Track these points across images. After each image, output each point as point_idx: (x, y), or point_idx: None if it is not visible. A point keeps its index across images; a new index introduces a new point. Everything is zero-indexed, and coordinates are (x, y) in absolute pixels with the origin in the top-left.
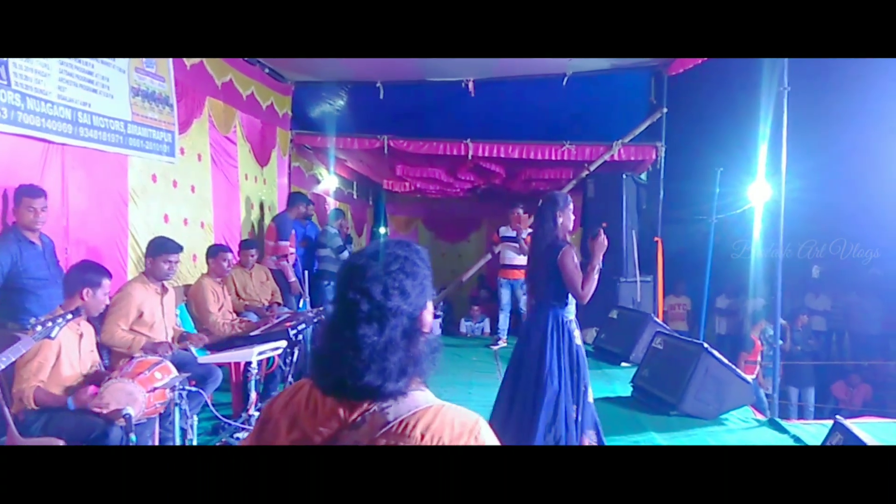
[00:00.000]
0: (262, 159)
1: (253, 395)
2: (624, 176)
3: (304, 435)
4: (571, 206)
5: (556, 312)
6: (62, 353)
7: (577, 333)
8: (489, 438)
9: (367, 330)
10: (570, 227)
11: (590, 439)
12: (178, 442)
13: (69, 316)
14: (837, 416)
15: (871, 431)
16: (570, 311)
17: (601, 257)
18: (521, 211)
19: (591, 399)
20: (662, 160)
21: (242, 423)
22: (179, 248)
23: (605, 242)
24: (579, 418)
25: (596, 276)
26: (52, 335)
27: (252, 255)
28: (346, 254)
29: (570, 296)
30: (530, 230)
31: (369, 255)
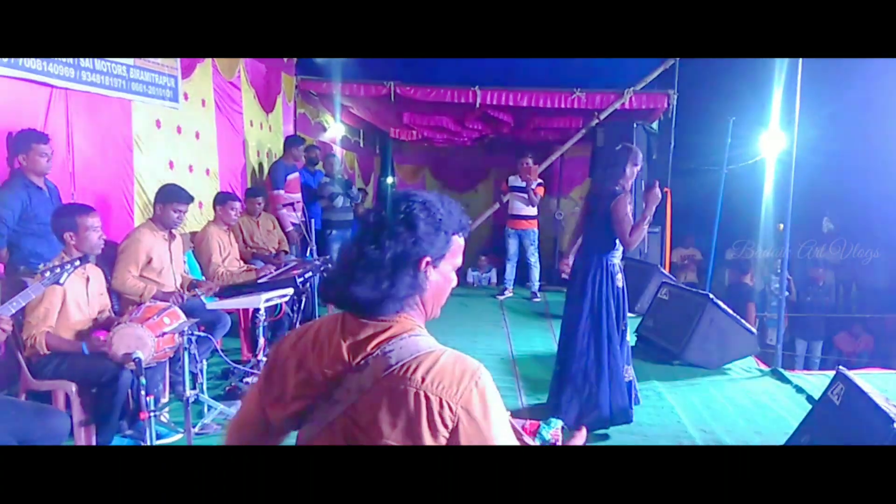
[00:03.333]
0: (267, 105)
1: (261, 341)
2: (635, 125)
3: (309, 375)
4: (640, 162)
5: (602, 256)
6: (68, 299)
7: (619, 277)
8: (489, 386)
9: (365, 242)
10: (633, 180)
11: (628, 374)
12: (188, 385)
13: (77, 262)
14: (840, 367)
15: (874, 382)
16: (616, 256)
17: (653, 209)
18: (530, 161)
19: (628, 338)
20: (674, 109)
21: (251, 367)
22: (190, 199)
23: (659, 195)
24: (619, 350)
25: (646, 227)
26: (61, 281)
27: (259, 203)
28: (339, 200)
29: (617, 241)
30: (540, 181)
31: (405, 192)
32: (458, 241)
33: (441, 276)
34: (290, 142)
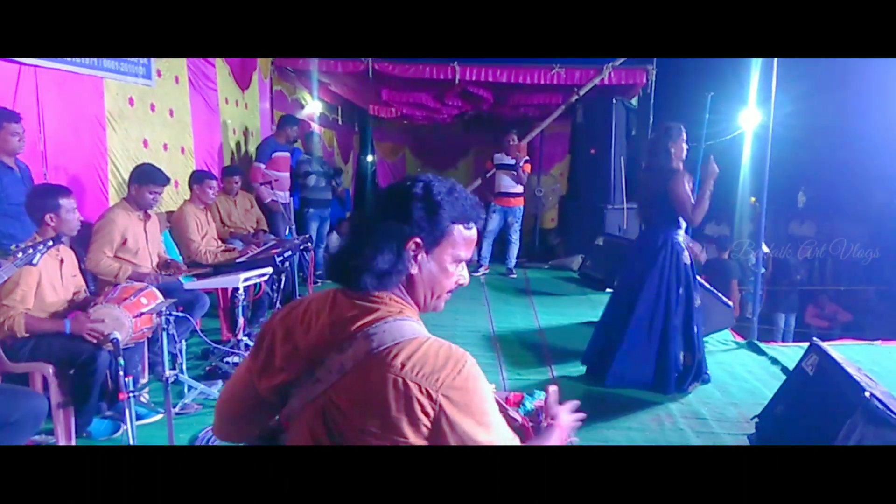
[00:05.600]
0: (243, 83)
1: (241, 321)
2: (614, 101)
3: (294, 348)
4: (684, 135)
5: (667, 234)
6: (43, 280)
7: (685, 254)
8: (474, 375)
9: (364, 218)
10: (683, 155)
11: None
12: (167, 366)
13: (50, 242)
14: (814, 338)
15: (847, 353)
16: (680, 234)
17: (712, 183)
18: (515, 137)
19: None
20: (653, 84)
21: (231, 347)
22: (167, 180)
23: (716, 168)
24: (694, 327)
25: (707, 201)
26: (35, 261)
27: (236, 182)
28: (311, 179)
29: (680, 219)
30: (527, 158)
31: (412, 178)
32: (463, 232)
33: (436, 264)
34: (285, 120)
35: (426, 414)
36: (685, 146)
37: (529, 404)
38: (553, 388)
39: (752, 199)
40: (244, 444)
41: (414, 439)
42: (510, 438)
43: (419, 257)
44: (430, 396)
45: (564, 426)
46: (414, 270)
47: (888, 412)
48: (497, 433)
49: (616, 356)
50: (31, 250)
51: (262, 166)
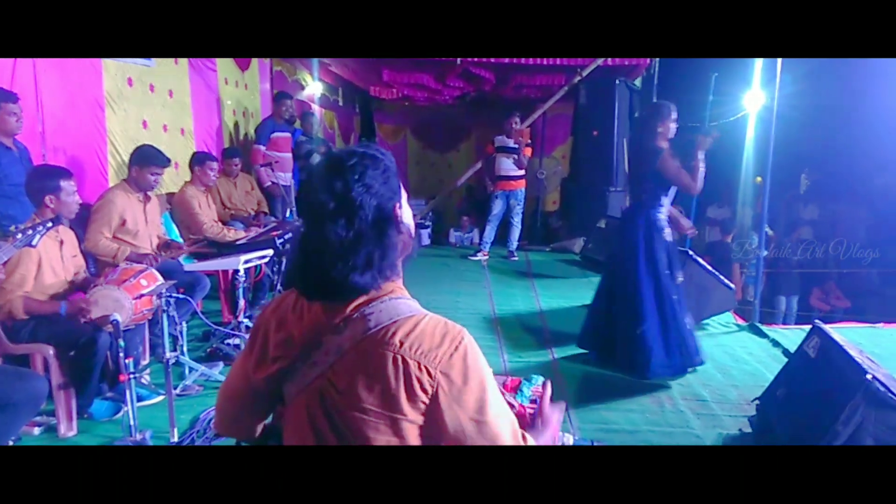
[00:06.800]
0: (243, 63)
1: (242, 303)
2: (617, 82)
3: (288, 336)
4: (674, 115)
5: (649, 213)
6: (43, 262)
7: (667, 231)
8: (472, 351)
9: (333, 226)
10: (669, 135)
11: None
12: (167, 347)
13: (49, 224)
14: (816, 321)
15: (849, 335)
16: (662, 212)
17: (703, 153)
18: (518, 120)
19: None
20: (657, 65)
21: (232, 329)
22: (167, 162)
23: (708, 140)
24: (678, 302)
25: (701, 169)
26: (34, 243)
27: (236, 164)
28: (315, 159)
29: (662, 197)
30: (528, 142)
31: (328, 156)
32: None
33: (408, 214)
34: (279, 96)
35: (424, 391)
36: (673, 125)
37: (527, 390)
38: (547, 387)
39: (758, 178)
40: (246, 442)
41: (411, 415)
42: (508, 415)
43: (400, 216)
44: (429, 373)
45: (556, 426)
46: (403, 229)
47: (890, 394)
48: (495, 409)
49: (650, 349)
50: (30, 231)
51: (262, 148)
